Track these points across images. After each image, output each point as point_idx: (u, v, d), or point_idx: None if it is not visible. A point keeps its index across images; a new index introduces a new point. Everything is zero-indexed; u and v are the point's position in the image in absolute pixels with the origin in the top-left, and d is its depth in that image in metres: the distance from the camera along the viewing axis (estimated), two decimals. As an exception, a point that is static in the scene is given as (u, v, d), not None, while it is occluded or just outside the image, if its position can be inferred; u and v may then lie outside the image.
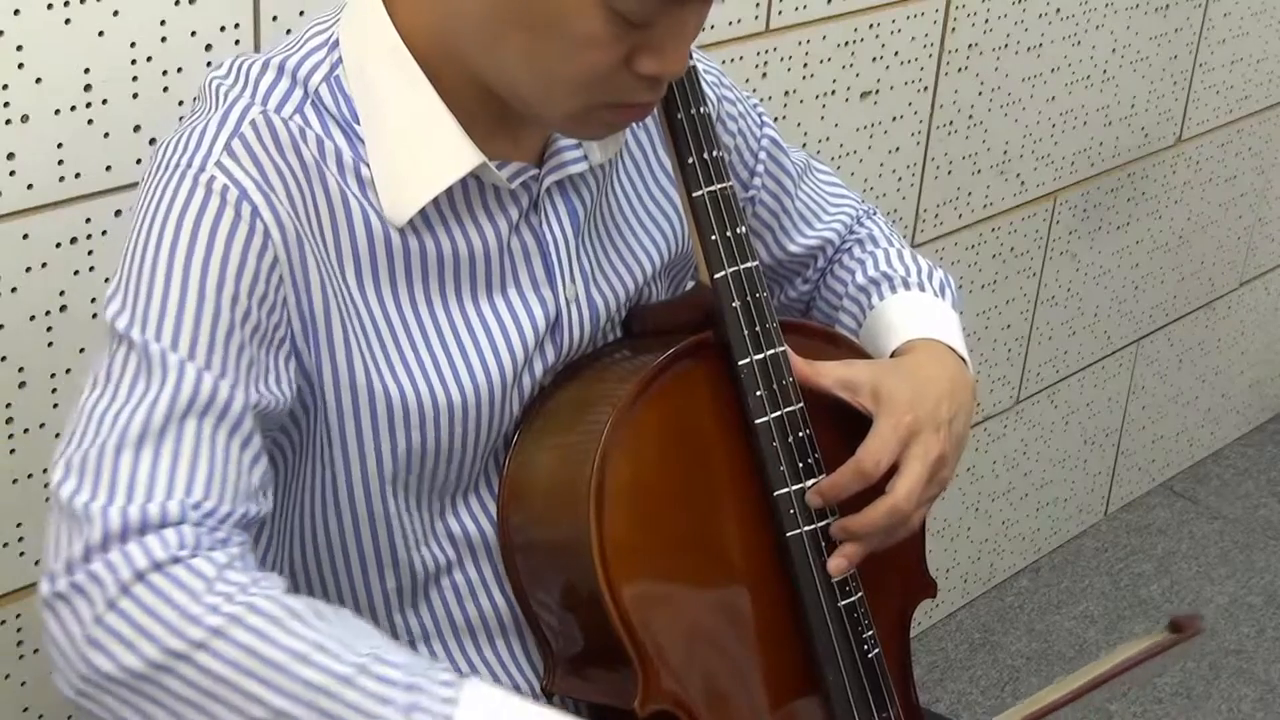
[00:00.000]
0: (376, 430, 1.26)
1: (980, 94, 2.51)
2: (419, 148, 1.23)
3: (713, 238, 1.32)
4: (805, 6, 2.18)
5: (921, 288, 1.50)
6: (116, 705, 1.07)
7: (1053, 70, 2.63)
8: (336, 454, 1.27)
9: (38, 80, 1.50)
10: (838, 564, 1.34)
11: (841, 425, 1.37)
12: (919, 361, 1.41)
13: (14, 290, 1.56)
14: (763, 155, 1.50)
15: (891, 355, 1.44)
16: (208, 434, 1.14)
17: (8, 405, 1.60)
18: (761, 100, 2.10)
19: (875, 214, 1.61)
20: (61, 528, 1.11)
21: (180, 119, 1.58)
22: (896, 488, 1.33)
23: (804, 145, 2.25)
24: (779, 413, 1.33)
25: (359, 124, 1.23)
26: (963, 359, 1.45)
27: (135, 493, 1.10)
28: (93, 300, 1.61)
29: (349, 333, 1.24)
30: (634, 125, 1.39)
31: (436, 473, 1.30)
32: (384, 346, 1.25)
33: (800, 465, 1.33)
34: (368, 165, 1.23)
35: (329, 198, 1.22)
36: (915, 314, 1.47)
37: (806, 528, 1.34)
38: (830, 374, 1.37)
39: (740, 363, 1.32)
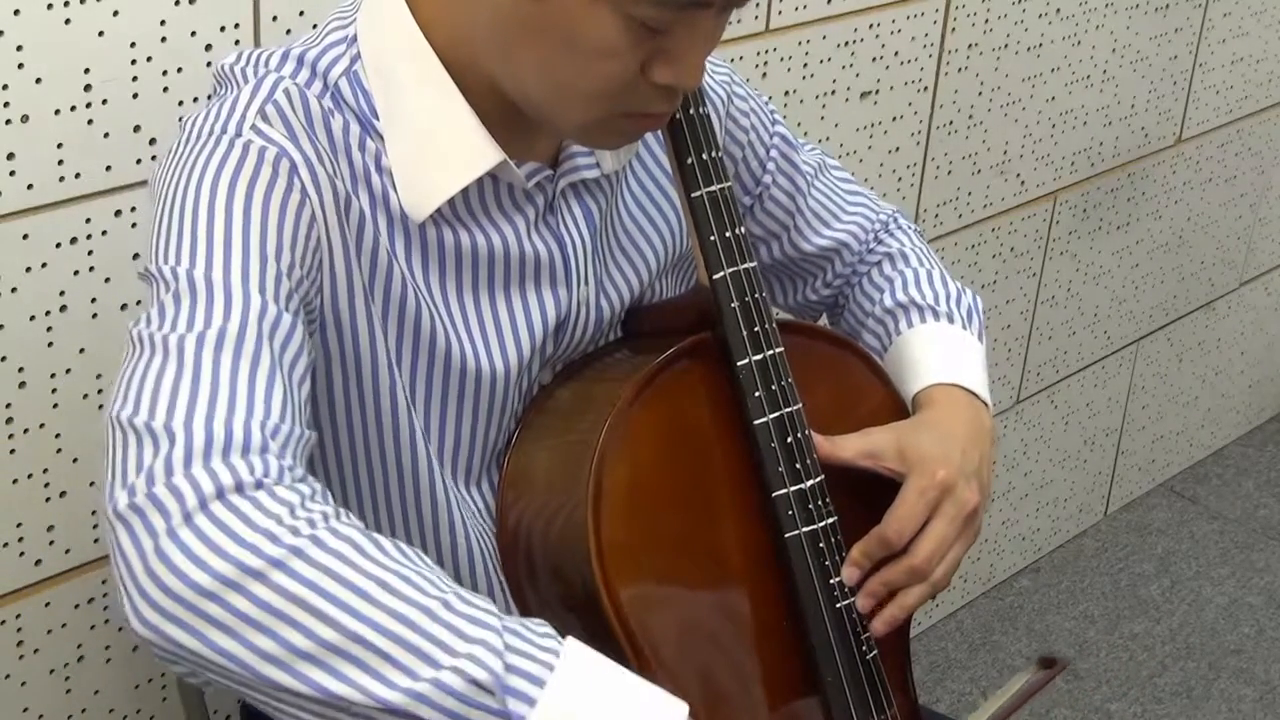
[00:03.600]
0: (429, 377, 1.27)
1: (980, 94, 2.52)
2: (440, 145, 1.23)
3: (711, 238, 1.32)
4: (805, 6, 2.18)
5: (950, 317, 1.50)
6: (176, 630, 1.00)
7: (1053, 70, 2.63)
8: (383, 400, 1.26)
9: (38, 80, 1.50)
10: (877, 627, 1.35)
11: (864, 489, 1.38)
12: (939, 415, 1.42)
13: (14, 290, 1.56)
14: (774, 153, 1.50)
15: (912, 400, 1.45)
16: (278, 356, 1.11)
17: (8, 405, 1.60)
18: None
19: (900, 220, 1.59)
20: (131, 446, 1.05)
21: (180, 119, 1.59)
22: (917, 549, 1.34)
23: (804, 145, 2.25)
24: (778, 413, 1.33)
25: (378, 120, 1.23)
26: (984, 402, 1.45)
27: (216, 410, 1.06)
28: (93, 300, 1.61)
29: (400, 284, 1.24)
30: (641, 130, 1.39)
31: (445, 429, 1.30)
32: (420, 302, 1.25)
33: (798, 466, 1.33)
34: (386, 159, 1.23)
35: (354, 173, 1.22)
36: (937, 353, 1.47)
37: (805, 529, 1.34)
38: (851, 446, 1.37)
39: (739, 363, 1.32)
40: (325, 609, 1.00)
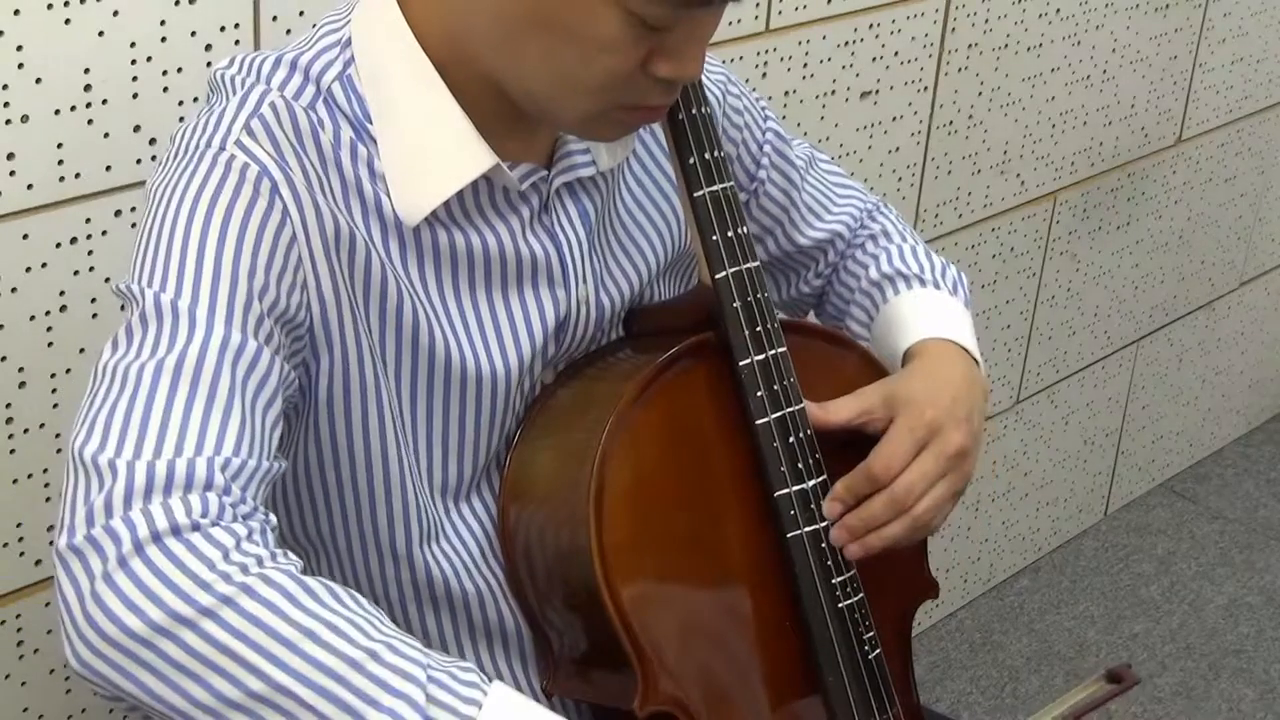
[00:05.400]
0: (429, 386, 1.27)
1: (980, 94, 2.51)
2: (432, 148, 1.23)
3: (713, 238, 1.32)
4: (805, 6, 2.18)
5: (936, 285, 1.50)
6: (110, 672, 1.03)
7: (1053, 70, 2.62)
8: (371, 422, 1.26)
9: (38, 80, 1.50)
10: (852, 550, 1.34)
11: (857, 447, 1.37)
12: (930, 363, 1.42)
13: (14, 290, 1.56)
14: (767, 149, 1.51)
15: (903, 355, 1.44)
16: (239, 386, 1.12)
17: (8, 405, 1.60)
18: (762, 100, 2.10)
19: (885, 206, 1.61)
20: (80, 482, 1.07)
21: (181, 119, 1.58)
22: (898, 481, 1.33)
23: (804, 145, 2.25)
24: (780, 413, 1.33)
25: (371, 124, 1.23)
26: (975, 359, 1.45)
27: (164, 446, 1.07)
28: (93, 300, 1.61)
29: (396, 292, 1.23)
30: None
31: (448, 446, 1.30)
32: (418, 309, 1.25)
33: (800, 466, 1.33)
34: (379, 162, 1.23)
35: (344, 181, 1.22)
36: (927, 313, 1.47)
37: (807, 529, 1.34)
38: (844, 410, 1.37)
39: (741, 363, 1.32)
40: (253, 660, 1.01)
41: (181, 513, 1.04)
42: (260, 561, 1.04)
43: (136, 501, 1.05)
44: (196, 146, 1.19)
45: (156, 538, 1.03)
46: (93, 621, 1.03)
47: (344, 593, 1.06)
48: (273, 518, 1.10)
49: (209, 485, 1.07)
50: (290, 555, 1.07)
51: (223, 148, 1.18)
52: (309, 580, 1.05)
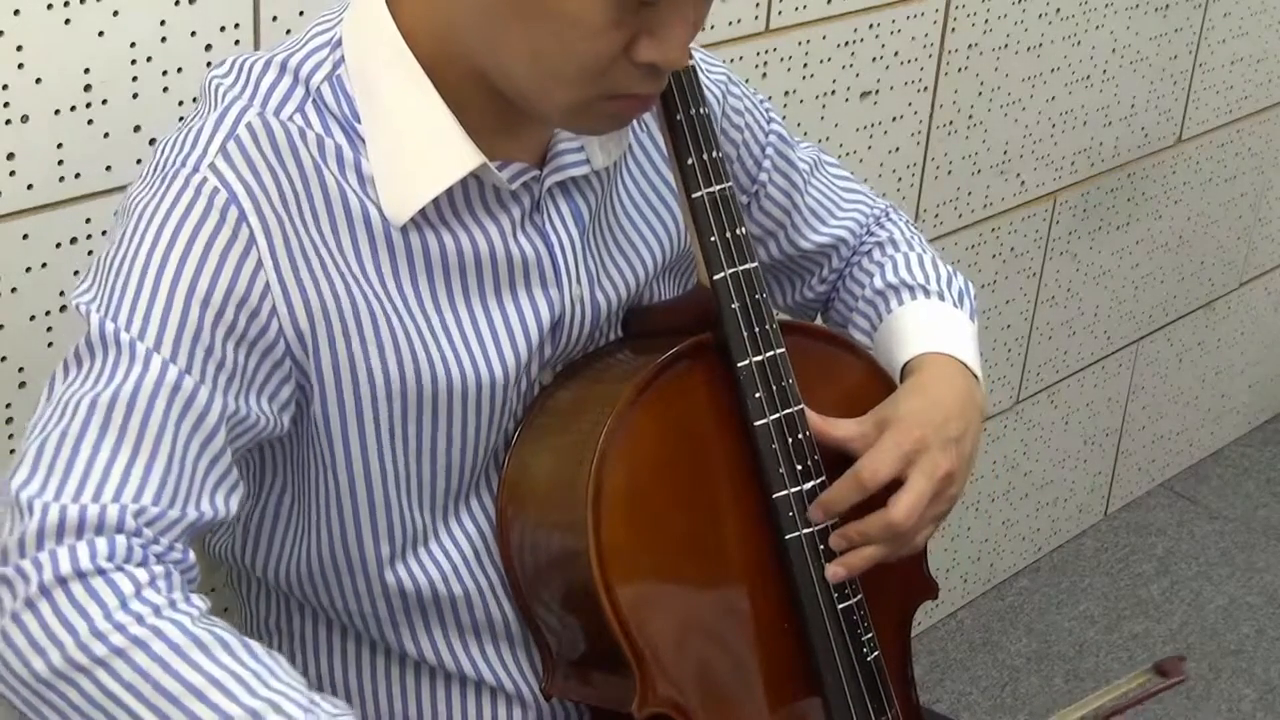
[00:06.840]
0: (419, 407, 1.27)
1: (980, 94, 2.51)
2: (420, 147, 1.23)
3: (712, 239, 1.32)
4: (805, 6, 2.18)
5: (941, 296, 1.50)
6: (20, 705, 1.08)
7: (1053, 70, 2.62)
8: (354, 445, 1.26)
9: (38, 80, 1.50)
10: (835, 571, 1.34)
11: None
12: (927, 380, 1.41)
13: (14, 290, 1.56)
14: (770, 151, 1.50)
15: (902, 369, 1.44)
16: (171, 426, 1.14)
17: (8, 405, 1.60)
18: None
19: (894, 212, 1.60)
20: (6, 516, 1.11)
21: (180, 119, 1.58)
22: (897, 503, 1.33)
23: (804, 145, 2.25)
24: (778, 415, 1.33)
25: (360, 123, 1.23)
26: (975, 374, 1.45)
27: (84, 489, 1.10)
28: (92, 300, 1.61)
29: (377, 320, 1.24)
30: (636, 126, 1.39)
31: (436, 464, 1.30)
32: (406, 331, 1.25)
33: (799, 468, 1.33)
34: (368, 163, 1.23)
35: (327, 196, 1.22)
36: (929, 325, 1.47)
37: (805, 530, 1.34)
38: (843, 428, 1.37)
39: (739, 364, 1.32)
40: (140, 712, 1.06)
41: (86, 557, 1.08)
42: (158, 611, 1.08)
43: (48, 542, 1.08)
44: (171, 165, 1.20)
45: (61, 581, 1.07)
46: (2, 658, 1.07)
47: (238, 644, 1.09)
48: (191, 557, 1.13)
49: (119, 528, 1.10)
50: (193, 600, 1.11)
51: (196, 169, 1.19)
52: (200, 632, 1.08)
